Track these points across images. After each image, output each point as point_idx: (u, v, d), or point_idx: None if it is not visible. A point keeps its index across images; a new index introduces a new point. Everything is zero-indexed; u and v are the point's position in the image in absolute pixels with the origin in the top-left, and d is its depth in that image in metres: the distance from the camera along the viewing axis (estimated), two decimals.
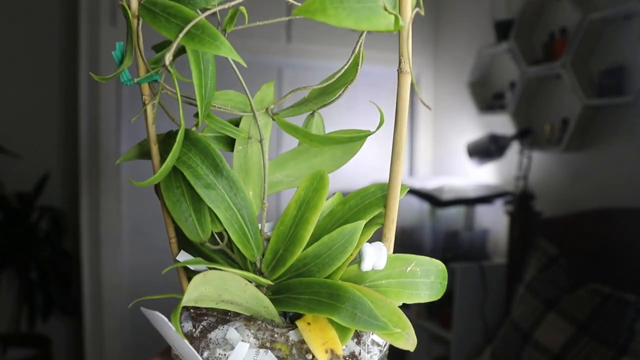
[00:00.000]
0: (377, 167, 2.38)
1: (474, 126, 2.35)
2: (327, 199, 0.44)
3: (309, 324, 0.33)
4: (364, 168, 2.37)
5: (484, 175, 2.29)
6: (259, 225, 0.39)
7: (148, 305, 0.38)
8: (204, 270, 0.32)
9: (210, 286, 0.32)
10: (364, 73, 0.46)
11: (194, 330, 0.36)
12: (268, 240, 0.40)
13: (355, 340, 0.35)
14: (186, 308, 0.39)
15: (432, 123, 2.63)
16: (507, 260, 1.96)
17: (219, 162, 0.36)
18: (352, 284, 0.35)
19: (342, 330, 0.32)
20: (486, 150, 2.02)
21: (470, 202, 2.02)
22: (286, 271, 0.37)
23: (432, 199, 1.99)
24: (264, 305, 0.34)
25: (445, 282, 0.40)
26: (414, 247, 2.09)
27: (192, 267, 0.38)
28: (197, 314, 0.38)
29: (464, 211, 2.10)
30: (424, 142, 2.63)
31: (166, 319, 0.31)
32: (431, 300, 0.39)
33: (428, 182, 2.16)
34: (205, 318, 0.37)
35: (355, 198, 0.40)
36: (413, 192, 2.06)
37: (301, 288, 0.35)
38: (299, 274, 0.37)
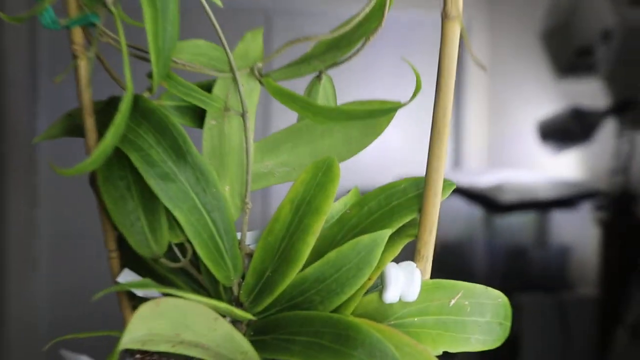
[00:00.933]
0: (407, 157, 2.39)
1: (548, 96, 2.35)
2: (336, 200, 0.44)
3: None
4: (389, 157, 2.38)
5: (563, 168, 2.29)
6: (238, 235, 0.40)
7: (73, 348, 0.39)
8: (157, 298, 0.32)
9: (165, 321, 0.32)
10: (392, 19, 0.46)
11: None
12: (250, 256, 0.41)
13: None
14: (129, 352, 0.40)
15: (487, 91, 2.64)
16: (598, 291, 1.96)
17: (181, 142, 0.37)
18: (369, 321, 0.36)
19: None
20: (566, 130, 2.02)
21: (542, 207, 2.02)
22: (275, 301, 0.37)
23: (488, 201, 2.00)
24: (242, 350, 0.35)
25: (508, 323, 0.41)
26: (460, 270, 2.10)
27: (139, 293, 0.39)
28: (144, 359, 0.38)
29: (534, 219, 2.10)
30: (475, 120, 2.63)
31: None
32: (486, 348, 0.40)
33: (481, 177, 2.16)
34: None
35: (377, 198, 0.40)
36: (460, 191, 2.06)
37: (296, 326, 0.35)
38: (293, 305, 0.37)
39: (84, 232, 2.26)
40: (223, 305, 0.34)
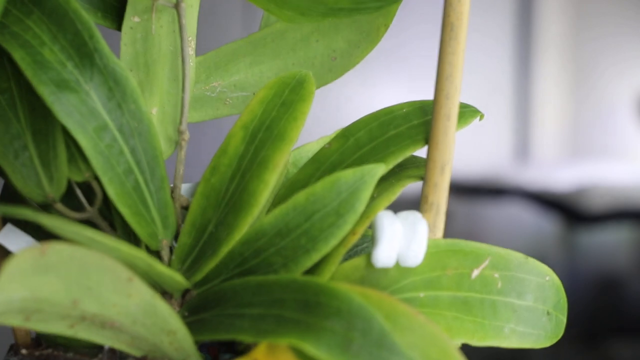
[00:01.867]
0: None
1: None
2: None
3: None
4: None
5: None
6: (170, 177, 0.40)
7: None
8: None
9: (56, 279, 0.32)
10: None
11: None
12: (187, 208, 0.41)
13: None
14: (13, 349, 0.41)
15: (568, 56, 2.63)
16: None
17: (87, 38, 0.37)
18: (350, 285, 0.36)
19: None
20: None
21: None
22: (219, 267, 0.38)
23: (567, 208, 1.99)
24: (169, 329, 0.35)
25: (562, 316, 0.41)
26: None
27: (11, 246, 0.39)
28: (33, 355, 0.39)
29: (633, 236, 2.09)
30: (549, 94, 2.62)
31: None
32: (528, 346, 0.40)
33: (557, 173, 2.15)
34: None
35: (367, 127, 0.41)
36: (526, 194, 2.06)
37: (247, 296, 0.36)
38: (244, 271, 0.38)
39: None
40: (140, 255, 0.34)
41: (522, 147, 2.65)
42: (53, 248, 0.32)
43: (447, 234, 0.41)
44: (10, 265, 0.31)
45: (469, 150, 2.43)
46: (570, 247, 2.09)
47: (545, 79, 2.65)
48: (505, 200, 2.12)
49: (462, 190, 2.18)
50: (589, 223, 2.02)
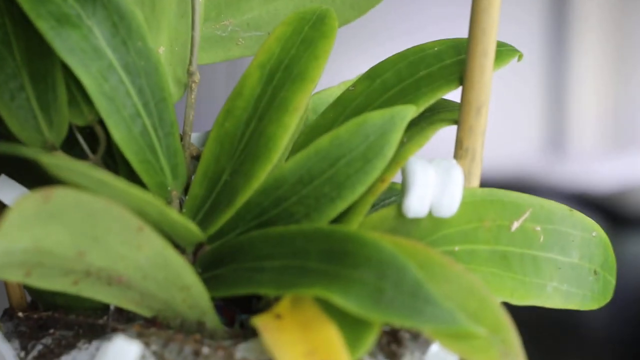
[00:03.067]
0: None
1: None
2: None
3: (278, 316, 0.34)
4: None
5: None
6: (180, 124, 0.41)
7: None
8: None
9: (60, 227, 0.33)
10: None
11: (23, 355, 0.38)
12: (197, 157, 0.42)
13: (383, 350, 0.36)
14: (7, 313, 0.41)
15: (609, 35, 2.63)
16: None
17: None
18: (380, 234, 0.37)
19: (351, 327, 0.34)
20: None
21: None
22: (235, 219, 0.39)
23: (609, 211, 1.97)
24: (183, 284, 0.36)
25: (611, 277, 0.42)
26: (565, 324, 2.06)
27: (6, 198, 0.39)
28: (30, 317, 0.39)
29: None
30: (589, 77, 2.61)
31: None
32: (574, 307, 0.41)
33: (597, 169, 2.15)
34: (50, 330, 0.39)
35: (395, 67, 0.42)
36: (562, 195, 2.05)
37: (267, 248, 0.36)
38: (263, 222, 0.38)
39: None
40: (153, 200, 0.35)
41: (556, 139, 2.63)
42: (58, 193, 0.32)
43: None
44: (12, 212, 0.31)
45: (493, 143, 2.40)
46: (615, 256, 2.05)
47: (582, 60, 2.62)
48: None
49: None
50: (635, 227, 1.99)
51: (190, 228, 0.37)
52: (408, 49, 0.42)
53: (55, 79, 0.39)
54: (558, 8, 2.60)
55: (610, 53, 2.66)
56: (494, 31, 0.39)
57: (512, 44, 0.42)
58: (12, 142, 0.40)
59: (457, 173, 0.38)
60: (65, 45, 0.37)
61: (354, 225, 0.38)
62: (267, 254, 0.36)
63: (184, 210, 0.40)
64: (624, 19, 2.62)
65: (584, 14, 2.63)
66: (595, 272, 0.41)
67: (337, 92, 0.44)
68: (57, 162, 0.32)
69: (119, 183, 0.33)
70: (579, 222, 0.41)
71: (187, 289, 0.36)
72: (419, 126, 0.40)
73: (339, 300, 0.33)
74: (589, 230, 0.41)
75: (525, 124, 2.49)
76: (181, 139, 0.41)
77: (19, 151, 0.32)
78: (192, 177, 0.41)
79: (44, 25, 0.37)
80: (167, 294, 0.36)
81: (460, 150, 0.39)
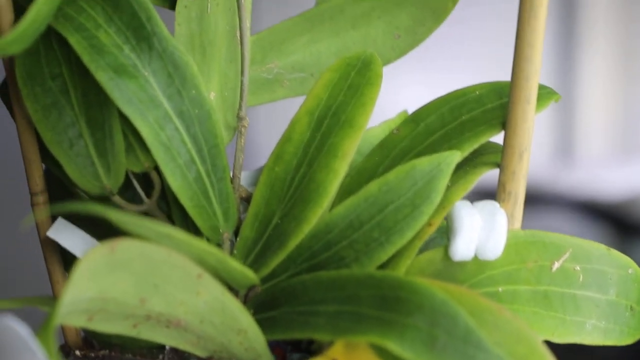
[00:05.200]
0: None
1: None
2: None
3: None
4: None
5: None
6: (231, 167, 0.42)
7: None
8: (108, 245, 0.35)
9: (126, 276, 0.34)
10: None
11: None
12: (248, 199, 0.43)
13: None
14: (64, 350, 0.42)
15: (618, 37, 2.61)
16: None
17: (144, 19, 0.39)
18: (429, 279, 0.38)
19: None
20: None
21: None
22: (287, 262, 0.40)
23: (618, 219, 1.95)
24: (239, 327, 0.37)
25: None
26: None
27: (77, 251, 0.41)
28: (87, 356, 0.41)
29: None
30: (595, 78, 2.59)
31: (27, 338, 0.34)
32: (611, 343, 0.42)
33: (606, 176, 2.14)
34: None
35: (438, 111, 0.43)
36: (570, 203, 2.03)
37: (320, 292, 0.37)
38: (314, 265, 0.40)
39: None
40: (213, 250, 0.36)
41: (564, 146, 2.60)
42: (123, 245, 0.34)
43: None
44: (82, 265, 0.32)
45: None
46: None
47: (590, 67, 2.60)
48: (544, 210, 2.04)
49: (493, 198, 2.09)
50: None
51: (247, 274, 0.38)
52: (450, 93, 0.43)
53: (113, 127, 0.40)
54: (566, 14, 2.58)
55: (618, 60, 2.64)
56: (537, 78, 0.40)
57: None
58: (70, 185, 0.41)
59: (501, 217, 0.40)
60: (123, 96, 0.38)
61: (402, 267, 0.39)
62: (320, 298, 0.37)
63: (235, 251, 0.41)
64: (632, 25, 2.60)
65: (592, 21, 2.62)
66: (631, 307, 0.42)
67: (380, 133, 0.46)
68: (125, 219, 0.33)
69: (181, 235, 0.35)
70: (615, 260, 0.42)
71: (244, 333, 0.37)
72: (463, 169, 0.41)
73: (394, 346, 0.34)
74: (625, 267, 0.42)
75: (536, 133, 2.47)
76: (232, 181, 0.42)
77: (89, 209, 0.33)
78: (243, 219, 0.42)
79: (103, 77, 0.38)
80: (224, 337, 0.37)
81: (503, 193, 0.41)
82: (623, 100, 2.65)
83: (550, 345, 0.41)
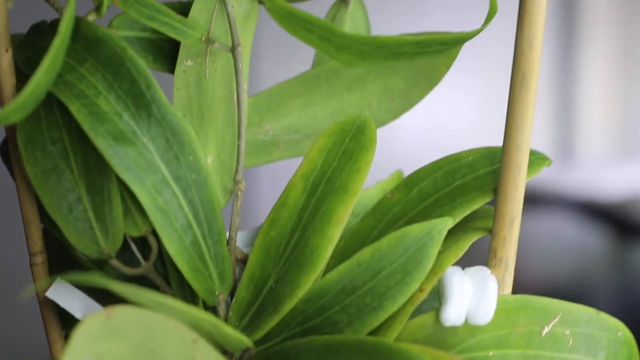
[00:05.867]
0: (471, 136, 2.34)
1: None
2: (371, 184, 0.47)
3: None
4: (442, 136, 2.34)
5: None
6: (227, 230, 0.43)
7: None
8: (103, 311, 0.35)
9: (122, 343, 0.35)
10: None
11: None
12: (244, 261, 0.44)
13: None
14: None
15: (618, 38, 2.61)
16: None
17: (143, 87, 0.40)
18: (423, 346, 0.38)
19: None
20: None
21: None
22: (281, 325, 0.41)
23: (618, 220, 1.95)
24: None
25: None
26: None
27: (77, 313, 0.42)
28: None
29: None
30: (595, 78, 2.58)
31: None
32: None
33: (606, 177, 2.13)
34: None
35: (431, 177, 0.44)
36: (569, 203, 2.02)
37: (313, 357, 0.38)
38: (307, 329, 0.40)
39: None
40: (208, 317, 0.37)
41: (564, 147, 2.60)
42: (119, 311, 0.34)
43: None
44: (78, 331, 0.33)
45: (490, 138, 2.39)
46: (622, 266, 2.04)
47: (590, 67, 2.60)
48: (543, 211, 2.04)
49: (492, 200, 2.09)
50: None
51: (242, 339, 0.39)
52: (443, 158, 0.44)
53: (111, 192, 0.41)
54: (566, 14, 2.58)
55: (618, 60, 2.64)
56: (528, 147, 0.40)
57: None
58: (68, 246, 0.42)
59: (492, 283, 0.40)
60: (122, 163, 0.39)
61: (394, 332, 0.40)
62: None
63: (230, 313, 0.42)
64: (632, 25, 2.61)
65: (592, 21, 2.62)
66: None
67: (374, 194, 0.46)
68: (124, 289, 0.34)
69: (178, 304, 0.35)
70: (604, 323, 0.42)
71: None
72: (455, 235, 0.42)
73: None
74: (615, 330, 0.43)
75: (533, 132, 2.46)
76: (228, 244, 0.43)
77: (90, 280, 0.34)
78: (238, 280, 0.42)
79: (102, 144, 0.39)
80: None
81: (494, 259, 0.41)
82: (623, 100, 2.64)
83: None
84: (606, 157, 2.56)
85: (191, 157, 0.41)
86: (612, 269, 2.03)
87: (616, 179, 2.17)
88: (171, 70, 0.44)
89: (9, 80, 0.42)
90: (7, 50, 0.41)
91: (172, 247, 0.40)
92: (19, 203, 0.43)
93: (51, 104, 0.41)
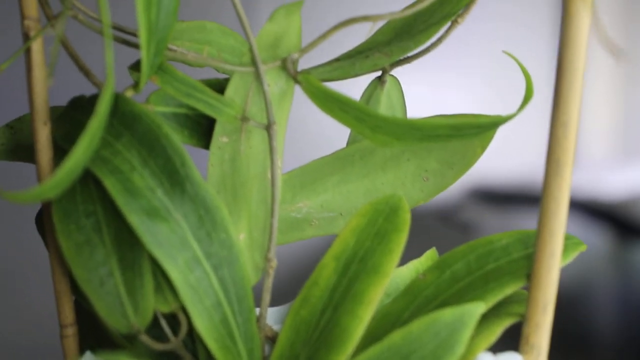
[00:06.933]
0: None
1: None
2: (404, 263, 0.47)
3: None
4: None
5: None
6: (256, 308, 0.43)
7: None
8: None
9: None
10: None
11: None
12: (274, 338, 0.44)
13: None
14: None
15: (618, 34, 2.60)
16: None
17: (178, 164, 0.40)
18: None
19: None
20: None
21: None
22: None
23: (619, 220, 1.94)
24: None
25: None
26: (577, 335, 2.00)
27: None
28: None
29: None
30: (596, 81, 2.57)
31: None
32: None
33: (606, 178, 2.12)
34: None
35: (465, 259, 0.43)
36: (571, 203, 2.01)
37: None
38: None
39: (23, 301, 2.26)
40: None
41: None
42: None
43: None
44: None
45: (502, 153, 2.38)
46: (623, 265, 2.02)
47: (592, 69, 2.60)
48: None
49: (495, 200, 2.08)
50: None
51: None
52: (477, 240, 0.44)
53: (142, 267, 0.41)
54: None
55: (619, 64, 2.63)
56: (562, 232, 0.40)
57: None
58: (98, 318, 0.42)
59: None
60: (154, 240, 0.39)
61: None
62: None
63: None
64: (632, 25, 2.61)
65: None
66: None
67: (407, 274, 0.46)
68: None
69: None
70: None
71: None
72: (487, 319, 0.41)
73: None
74: None
75: (534, 134, 2.47)
76: (258, 322, 0.43)
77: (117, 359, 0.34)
78: (268, 359, 0.42)
79: (135, 220, 0.39)
80: None
81: (526, 345, 0.41)
82: (624, 102, 2.65)
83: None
84: (607, 157, 2.55)
85: (223, 235, 0.41)
86: (613, 269, 2.02)
87: (616, 180, 2.17)
88: (206, 145, 0.44)
89: (47, 154, 0.42)
90: (45, 124, 0.42)
91: (201, 325, 0.40)
92: (51, 274, 0.44)
93: (87, 176, 0.41)
